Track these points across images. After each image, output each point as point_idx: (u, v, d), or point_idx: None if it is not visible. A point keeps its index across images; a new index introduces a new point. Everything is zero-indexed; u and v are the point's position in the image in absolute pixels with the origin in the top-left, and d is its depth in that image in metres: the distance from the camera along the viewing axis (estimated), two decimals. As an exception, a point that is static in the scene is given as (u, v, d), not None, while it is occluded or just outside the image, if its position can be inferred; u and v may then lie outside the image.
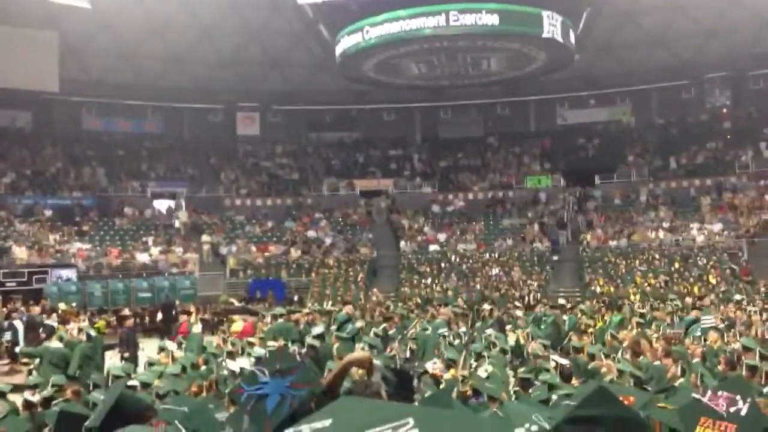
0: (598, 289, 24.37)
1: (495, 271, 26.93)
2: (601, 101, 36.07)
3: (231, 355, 10.62)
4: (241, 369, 8.48)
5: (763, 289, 21.95)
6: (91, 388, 7.64)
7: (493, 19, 25.67)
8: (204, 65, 32.98)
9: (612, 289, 24.21)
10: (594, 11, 29.32)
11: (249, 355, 11.00)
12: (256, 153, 36.04)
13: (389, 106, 37.30)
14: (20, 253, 24.71)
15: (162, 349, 11.23)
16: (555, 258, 28.07)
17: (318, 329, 12.03)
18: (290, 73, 34.41)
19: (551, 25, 25.67)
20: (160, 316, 19.27)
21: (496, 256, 28.23)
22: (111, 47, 30.69)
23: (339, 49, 28.89)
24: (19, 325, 14.70)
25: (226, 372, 9.09)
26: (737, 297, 19.17)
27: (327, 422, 1.85)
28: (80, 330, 12.62)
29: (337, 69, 30.48)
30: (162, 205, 31.60)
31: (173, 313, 17.78)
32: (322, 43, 31.14)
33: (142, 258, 26.46)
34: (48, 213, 28.43)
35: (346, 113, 37.79)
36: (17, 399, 7.55)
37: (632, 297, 21.82)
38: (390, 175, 34.78)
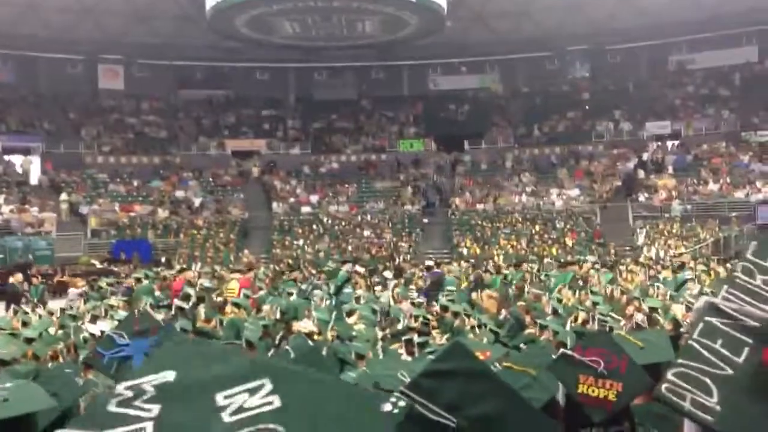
0: (465, 251, 25.29)
1: (367, 233, 27.29)
2: (472, 69, 37.00)
3: (93, 319, 10.23)
4: (102, 332, 8.18)
5: (612, 251, 23.70)
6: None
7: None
8: (62, 12, 30.87)
9: (478, 250, 25.20)
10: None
11: (112, 317, 10.64)
12: (121, 108, 34.31)
13: (263, 65, 36.51)
14: None
15: (15, 312, 10.61)
16: (425, 221, 28.77)
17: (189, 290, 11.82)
18: (158, 26, 32.86)
19: None
20: (12, 278, 18.12)
21: (369, 218, 28.58)
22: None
23: (210, 2, 27.91)
24: None
25: (86, 335, 8.73)
26: (590, 258, 20.46)
27: (170, 376, 1.64)
28: None
29: (207, 23, 29.45)
30: (16, 160, 29.51)
31: (27, 274, 16.78)
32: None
33: (-6, 216, 24.76)
34: None
35: (218, 70, 36.65)
36: None
37: (497, 258, 22.79)
38: (263, 135, 34.20)
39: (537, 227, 26.92)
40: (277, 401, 1.59)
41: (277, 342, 7.56)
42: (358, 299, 10.63)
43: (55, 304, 12.60)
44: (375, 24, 30.02)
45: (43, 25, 30.84)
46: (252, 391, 1.60)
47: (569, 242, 25.50)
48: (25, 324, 9.94)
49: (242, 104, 36.06)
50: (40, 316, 10.84)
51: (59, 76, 33.42)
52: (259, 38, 31.73)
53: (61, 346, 7.88)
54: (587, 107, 34.51)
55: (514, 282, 13.37)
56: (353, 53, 34.83)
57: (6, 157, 29.42)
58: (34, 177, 28.83)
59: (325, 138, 34.63)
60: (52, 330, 9.51)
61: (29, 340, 8.06)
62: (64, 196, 26.86)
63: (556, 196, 29.17)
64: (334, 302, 11.85)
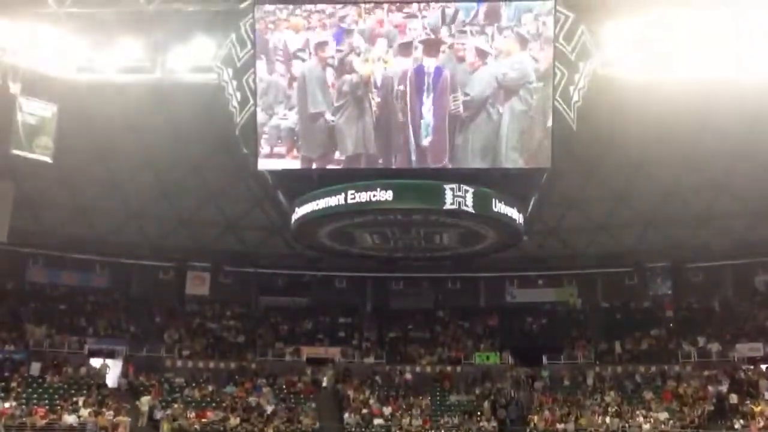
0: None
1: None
2: (549, 282, 36.96)
3: None
4: None
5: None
6: None
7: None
8: (159, 222, 33.17)
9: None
10: (541, 197, 30.80)
11: None
12: (204, 313, 35.39)
13: (341, 274, 37.46)
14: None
15: None
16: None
17: None
18: (245, 235, 34.76)
19: (456, 197, 25.89)
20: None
21: (443, 433, 27.47)
22: (66, 200, 30.80)
23: (295, 216, 29.39)
24: None
25: None
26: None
27: None
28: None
29: (291, 235, 30.88)
30: (99, 363, 30.24)
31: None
32: (278, 208, 31.68)
33: (69, 419, 24.92)
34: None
35: (298, 278, 37.78)
36: None
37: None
38: (338, 343, 34.29)
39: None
40: None
41: None
42: None
43: None
44: (452, 237, 30.72)
45: (140, 234, 33.04)
46: None
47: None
48: None
49: (320, 312, 36.66)
50: None
51: (150, 282, 35.15)
52: (340, 248, 32.84)
53: None
54: (671, 325, 33.51)
55: None
56: (430, 264, 35.48)
57: (92, 360, 30.22)
58: (115, 380, 29.32)
59: (400, 348, 34.41)
60: None
61: None
62: (143, 399, 27.07)
63: (642, 418, 27.48)
64: None
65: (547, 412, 28.54)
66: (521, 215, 27.79)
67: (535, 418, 28.39)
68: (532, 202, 29.78)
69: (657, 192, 31.47)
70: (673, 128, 28.19)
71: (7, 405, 25.06)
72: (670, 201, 31.67)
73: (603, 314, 35.46)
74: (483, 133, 24.19)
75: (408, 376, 32.18)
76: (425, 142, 24.52)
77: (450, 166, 24.77)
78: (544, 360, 32.35)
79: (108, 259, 34.56)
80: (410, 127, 24.50)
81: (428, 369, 32.77)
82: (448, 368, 32.74)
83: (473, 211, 25.39)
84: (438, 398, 30.66)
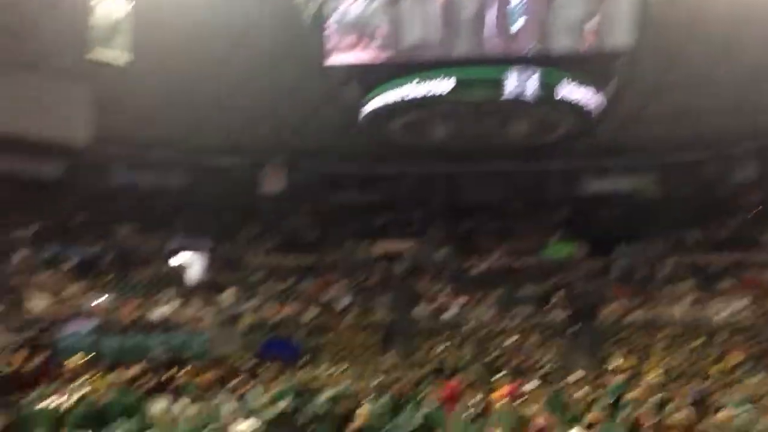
0: (616, 363, 23.85)
1: (512, 339, 26.53)
2: (626, 171, 36.00)
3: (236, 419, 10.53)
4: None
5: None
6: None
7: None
8: (233, 122, 33.60)
9: (631, 363, 23.67)
10: (621, 81, 29.49)
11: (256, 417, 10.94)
12: (279, 210, 36.29)
13: (412, 169, 37.50)
14: (38, 303, 24.87)
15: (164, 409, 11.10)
16: (573, 329, 27.58)
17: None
18: (317, 132, 34.89)
19: (523, 83, 25.25)
20: (170, 372, 19.09)
21: (514, 324, 27.83)
22: (144, 102, 31.40)
23: (365, 110, 29.33)
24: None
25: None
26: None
27: None
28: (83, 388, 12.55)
29: (363, 129, 30.87)
30: (182, 260, 31.74)
31: (181, 370, 17.61)
32: (350, 102, 31.55)
33: (157, 313, 26.47)
34: (69, 264, 28.67)
35: (370, 174, 38.02)
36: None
37: (651, 374, 21.28)
38: (409, 237, 34.73)
39: (698, 341, 25.01)
40: None
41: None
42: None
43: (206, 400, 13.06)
44: (524, 125, 30.06)
45: (216, 134, 33.67)
46: None
47: (735, 359, 23.39)
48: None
49: (391, 207, 36.98)
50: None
51: (227, 180, 36.07)
52: (411, 142, 32.73)
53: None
54: (753, 213, 32.31)
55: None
56: (502, 155, 34.99)
57: (174, 258, 31.70)
58: (196, 277, 30.73)
59: (472, 241, 34.60)
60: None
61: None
62: (223, 295, 28.39)
63: (720, 306, 27.08)
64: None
65: (619, 303, 28.46)
66: (597, 101, 26.90)
67: (607, 308, 28.37)
68: (610, 87, 28.73)
69: (742, 77, 29.61)
70: (764, 9, 26.18)
71: (101, 300, 26.69)
72: (755, 86, 29.81)
73: (682, 203, 34.41)
74: (566, 11, 23.17)
75: (479, 268, 32.46)
76: (504, 24, 23.67)
77: (530, 49, 23.97)
78: (618, 251, 31.96)
79: (186, 159, 35.60)
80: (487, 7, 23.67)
81: (499, 262, 32.92)
82: (520, 261, 32.82)
83: (541, 97, 24.73)
84: (509, 290, 30.90)
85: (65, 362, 17.62)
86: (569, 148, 33.45)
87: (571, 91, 26.86)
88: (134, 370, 16.03)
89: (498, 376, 17.60)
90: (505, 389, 14.08)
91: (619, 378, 17.11)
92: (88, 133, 29.55)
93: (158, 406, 10.73)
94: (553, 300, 29.19)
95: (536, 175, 36.92)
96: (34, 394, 12.46)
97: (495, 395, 13.92)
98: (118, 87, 30.09)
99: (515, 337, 26.66)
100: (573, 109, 27.63)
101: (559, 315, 28.37)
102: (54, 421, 10.95)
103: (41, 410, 11.22)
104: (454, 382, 16.24)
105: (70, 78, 28.57)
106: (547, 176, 37.08)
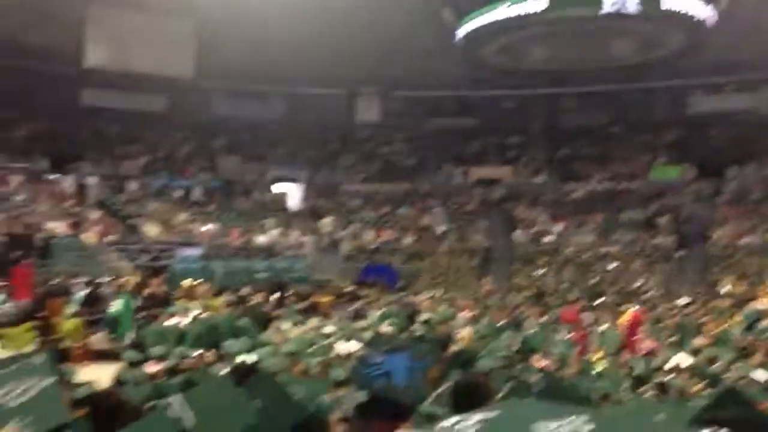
0: (726, 289, 23.01)
1: (613, 265, 26.00)
2: (737, 88, 33.83)
3: (343, 338, 10.85)
4: (354, 352, 8.64)
5: None
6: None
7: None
8: (327, 52, 33.61)
9: (741, 289, 22.78)
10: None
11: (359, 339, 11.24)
12: (375, 138, 36.44)
13: (510, 93, 36.60)
14: (151, 231, 26.23)
15: (276, 329, 11.60)
16: (680, 254, 26.70)
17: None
18: (412, 59, 34.43)
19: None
20: (274, 296, 19.85)
21: (615, 249, 27.21)
22: (244, 35, 31.83)
23: (461, 33, 28.69)
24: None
25: (336, 354, 9.23)
26: None
27: (494, 413, 1.91)
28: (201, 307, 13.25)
29: (458, 54, 30.24)
30: (282, 188, 32.60)
31: (285, 294, 18.27)
32: (444, 27, 30.90)
33: (260, 239, 27.44)
34: (177, 194, 29.99)
35: (466, 99, 37.44)
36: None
37: (764, 299, 20.44)
38: (507, 163, 34.23)
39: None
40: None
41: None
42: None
43: (308, 323, 13.52)
44: (629, 44, 28.60)
45: (312, 63, 33.83)
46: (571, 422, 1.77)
47: None
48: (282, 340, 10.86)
49: (488, 132, 36.42)
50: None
51: (323, 110, 36.41)
52: (508, 66, 31.85)
53: (314, 362, 8.48)
54: None
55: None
56: (603, 77, 33.54)
57: (275, 186, 32.60)
58: (297, 204, 31.53)
59: (571, 166, 33.73)
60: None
61: (290, 354, 8.78)
62: (322, 222, 29.06)
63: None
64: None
65: (730, 226, 27.26)
66: (708, 12, 25.20)
67: (717, 232, 27.25)
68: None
69: None
70: None
71: (207, 227, 27.88)
72: None
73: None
74: None
75: (580, 194, 31.72)
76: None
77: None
78: (730, 172, 30.42)
79: (283, 90, 36.08)
80: None
81: (601, 186, 32.03)
82: (622, 185, 31.81)
83: (645, 10, 23.38)
84: (611, 215, 30.13)
85: (179, 285, 18.62)
86: (677, 66, 31.62)
87: (679, 2, 25.24)
88: (242, 292, 16.75)
89: (600, 300, 17.37)
90: (631, 315, 13.84)
91: (756, 304, 16.34)
92: (192, 66, 30.37)
93: (267, 326, 11.22)
94: (659, 224, 28.26)
95: (641, 95, 35.26)
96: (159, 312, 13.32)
97: (621, 320, 13.76)
98: (219, 21, 30.63)
99: (618, 263, 26.08)
100: (681, 21, 25.97)
101: (665, 240, 27.48)
102: (176, 337, 11.67)
103: (165, 327, 11.96)
104: (574, 307, 16.10)
105: (175, 14, 29.27)
106: (653, 96, 35.37)
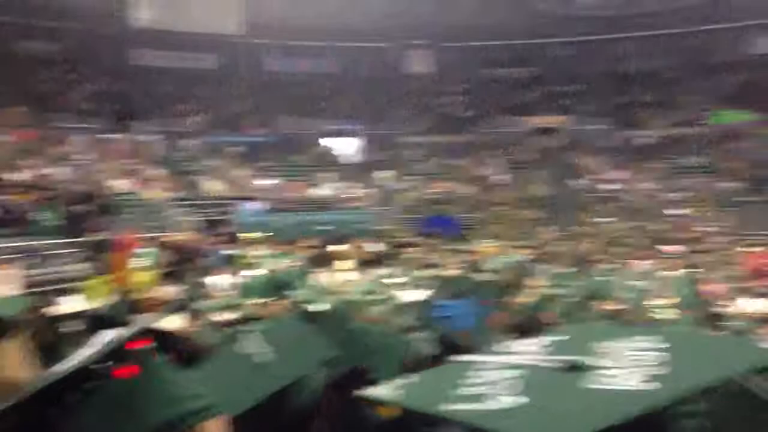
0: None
1: (677, 211, 25.42)
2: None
3: (402, 286, 10.90)
4: (418, 300, 8.66)
5: None
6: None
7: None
8: (378, 4, 33.22)
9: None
10: None
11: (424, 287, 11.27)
12: (429, 90, 36.05)
13: (566, 40, 35.69)
14: (212, 186, 26.62)
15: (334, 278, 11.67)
16: (746, 199, 25.91)
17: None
18: (463, 9, 33.81)
19: None
20: (336, 246, 19.98)
21: (679, 196, 26.57)
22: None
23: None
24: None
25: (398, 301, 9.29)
26: None
27: (564, 336, 1.91)
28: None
29: (512, 3, 29.54)
30: (338, 142, 32.65)
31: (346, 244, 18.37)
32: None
33: (320, 193, 27.62)
34: (233, 150, 30.29)
35: (521, 49, 36.64)
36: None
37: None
38: (566, 111, 33.54)
39: None
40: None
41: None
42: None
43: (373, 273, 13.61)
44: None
45: (363, 17, 33.51)
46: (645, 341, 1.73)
47: None
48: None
49: (545, 81, 35.68)
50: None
51: (377, 63, 36.14)
52: (563, 12, 30.99)
53: (379, 309, 8.55)
54: None
55: None
56: (662, 20, 32.37)
57: (330, 140, 32.66)
58: (355, 157, 31.57)
59: (631, 112, 32.86)
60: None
61: (356, 302, 8.86)
62: (379, 175, 29.07)
63: None
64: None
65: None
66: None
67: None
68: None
69: None
70: None
71: (266, 182, 28.16)
72: None
73: None
74: None
75: (640, 140, 30.95)
76: None
77: None
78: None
79: (335, 44, 35.85)
80: None
81: (662, 132, 31.16)
82: (684, 131, 30.88)
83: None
84: (672, 162, 29.36)
85: (241, 237, 18.89)
86: (739, 5, 30.27)
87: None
88: (303, 244, 16.91)
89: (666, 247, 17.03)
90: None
91: None
92: (242, 23, 30.37)
93: (329, 276, 11.29)
94: (724, 169, 27.43)
95: (701, 37, 33.91)
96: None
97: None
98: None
99: (682, 210, 25.49)
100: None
101: (731, 184, 26.69)
102: (243, 289, 11.91)
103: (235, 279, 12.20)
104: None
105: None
106: (714, 38, 33.98)
